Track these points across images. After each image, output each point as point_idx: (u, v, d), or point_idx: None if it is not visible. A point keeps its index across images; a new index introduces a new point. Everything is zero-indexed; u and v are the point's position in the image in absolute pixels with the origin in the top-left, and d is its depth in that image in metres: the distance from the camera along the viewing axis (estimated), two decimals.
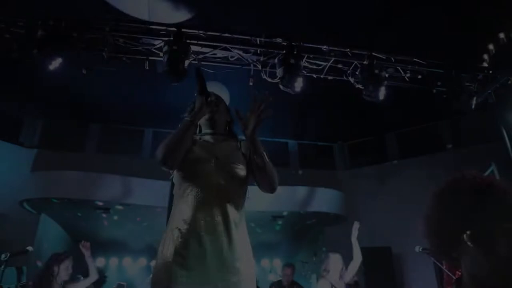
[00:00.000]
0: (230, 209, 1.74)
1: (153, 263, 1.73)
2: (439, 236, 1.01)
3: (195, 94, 1.92)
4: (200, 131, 2.01)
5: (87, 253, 3.93)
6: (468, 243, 0.92)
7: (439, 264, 3.92)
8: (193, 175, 1.76)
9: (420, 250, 4.08)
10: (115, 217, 8.07)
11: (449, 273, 3.82)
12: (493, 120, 6.93)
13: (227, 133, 2.04)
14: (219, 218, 1.69)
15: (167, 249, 1.65)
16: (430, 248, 1.05)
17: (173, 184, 1.88)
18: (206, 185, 1.73)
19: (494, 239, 0.89)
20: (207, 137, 1.96)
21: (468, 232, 0.92)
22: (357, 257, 4.46)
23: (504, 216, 0.91)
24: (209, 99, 1.88)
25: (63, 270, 3.69)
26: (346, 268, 4.43)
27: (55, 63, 3.15)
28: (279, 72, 3.68)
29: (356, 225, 4.66)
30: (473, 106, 4.22)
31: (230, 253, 1.67)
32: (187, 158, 1.77)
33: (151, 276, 1.69)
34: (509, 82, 4.54)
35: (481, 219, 0.92)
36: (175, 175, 1.82)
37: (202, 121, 1.95)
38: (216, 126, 1.98)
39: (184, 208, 1.71)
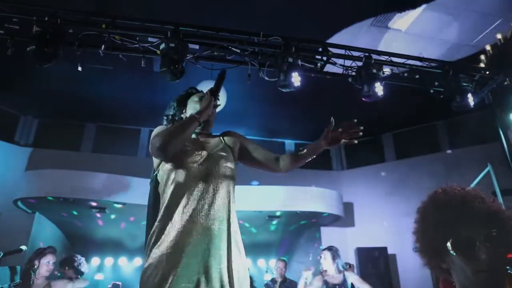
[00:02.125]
0: (224, 206, 1.74)
1: None
2: (426, 250, 1.04)
3: (205, 92, 1.92)
4: None
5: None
6: (451, 251, 0.95)
7: None
8: (184, 170, 1.75)
9: (416, 250, 4.09)
10: (112, 216, 8.03)
11: None
12: (489, 121, 6.97)
13: (210, 133, 2.07)
14: (213, 214, 1.69)
15: (159, 246, 1.62)
16: (423, 262, 1.08)
17: (156, 182, 1.87)
18: (199, 181, 1.73)
19: (475, 247, 0.92)
20: (194, 135, 1.97)
21: (450, 241, 0.95)
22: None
23: (481, 224, 0.94)
24: (214, 102, 1.90)
25: (44, 265, 3.58)
26: (350, 267, 4.51)
27: (50, 60, 3.10)
28: (276, 71, 3.67)
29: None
30: (470, 107, 4.22)
31: (225, 251, 1.67)
32: (178, 153, 1.77)
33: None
34: (506, 83, 4.56)
35: (461, 229, 0.95)
36: (163, 171, 1.80)
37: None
38: (206, 127, 1.99)
39: (175, 205, 1.69)
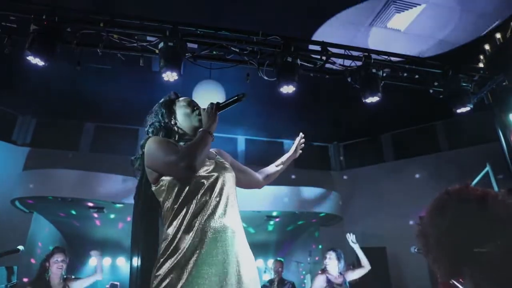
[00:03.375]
0: (234, 212, 1.76)
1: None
2: (440, 259, 0.95)
3: (211, 104, 1.85)
4: (175, 137, 1.95)
5: (97, 258, 4.27)
6: (467, 262, 0.88)
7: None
8: (197, 180, 1.72)
9: (416, 250, 4.10)
10: (110, 216, 8.01)
11: None
12: (488, 122, 6.95)
13: None
14: (227, 222, 1.69)
15: (176, 257, 1.58)
16: (436, 272, 0.98)
17: (151, 196, 1.82)
18: (212, 189, 1.72)
19: (486, 254, 0.85)
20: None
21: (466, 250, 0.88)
22: (366, 265, 4.68)
23: (493, 230, 0.86)
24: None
25: (53, 264, 3.66)
26: (352, 267, 4.72)
27: (48, 59, 3.07)
28: (275, 70, 3.65)
29: (350, 236, 4.78)
30: (469, 107, 4.21)
31: (243, 258, 1.67)
32: None
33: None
34: (504, 83, 4.54)
35: (473, 234, 0.88)
36: (168, 182, 1.73)
37: (189, 128, 1.93)
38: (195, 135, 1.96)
39: (193, 215, 1.66)
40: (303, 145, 2.39)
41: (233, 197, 1.80)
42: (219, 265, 1.59)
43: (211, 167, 1.79)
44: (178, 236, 1.63)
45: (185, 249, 1.59)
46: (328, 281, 4.38)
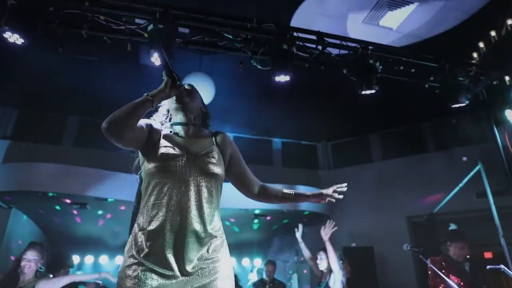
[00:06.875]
0: (203, 208, 1.62)
1: None
2: None
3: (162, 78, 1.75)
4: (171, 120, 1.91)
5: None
6: None
7: (425, 261, 3.92)
8: (161, 170, 1.63)
9: (408, 248, 4.09)
10: (93, 212, 7.76)
11: (435, 268, 3.82)
12: (475, 122, 6.98)
13: (200, 124, 1.90)
14: (190, 218, 1.57)
15: (131, 252, 1.56)
16: None
17: (141, 180, 1.76)
18: (176, 182, 1.61)
19: None
20: (178, 128, 1.84)
21: None
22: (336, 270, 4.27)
23: None
24: (177, 83, 1.72)
25: (23, 261, 3.46)
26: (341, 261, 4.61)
27: (28, 36, 2.86)
28: (269, 59, 3.52)
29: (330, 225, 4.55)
30: (465, 103, 4.16)
31: (202, 256, 1.57)
32: (156, 152, 1.67)
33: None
34: (494, 82, 4.53)
35: None
36: (144, 172, 1.69)
37: (174, 107, 1.84)
38: (189, 114, 1.85)
39: (151, 207, 1.59)
40: (337, 195, 1.94)
41: (202, 199, 1.63)
42: (157, 263, 1.53)
43: (182, 163, 1.66)
44: (134, 230, 1.66)
45: (133, 246, 1.59)
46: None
